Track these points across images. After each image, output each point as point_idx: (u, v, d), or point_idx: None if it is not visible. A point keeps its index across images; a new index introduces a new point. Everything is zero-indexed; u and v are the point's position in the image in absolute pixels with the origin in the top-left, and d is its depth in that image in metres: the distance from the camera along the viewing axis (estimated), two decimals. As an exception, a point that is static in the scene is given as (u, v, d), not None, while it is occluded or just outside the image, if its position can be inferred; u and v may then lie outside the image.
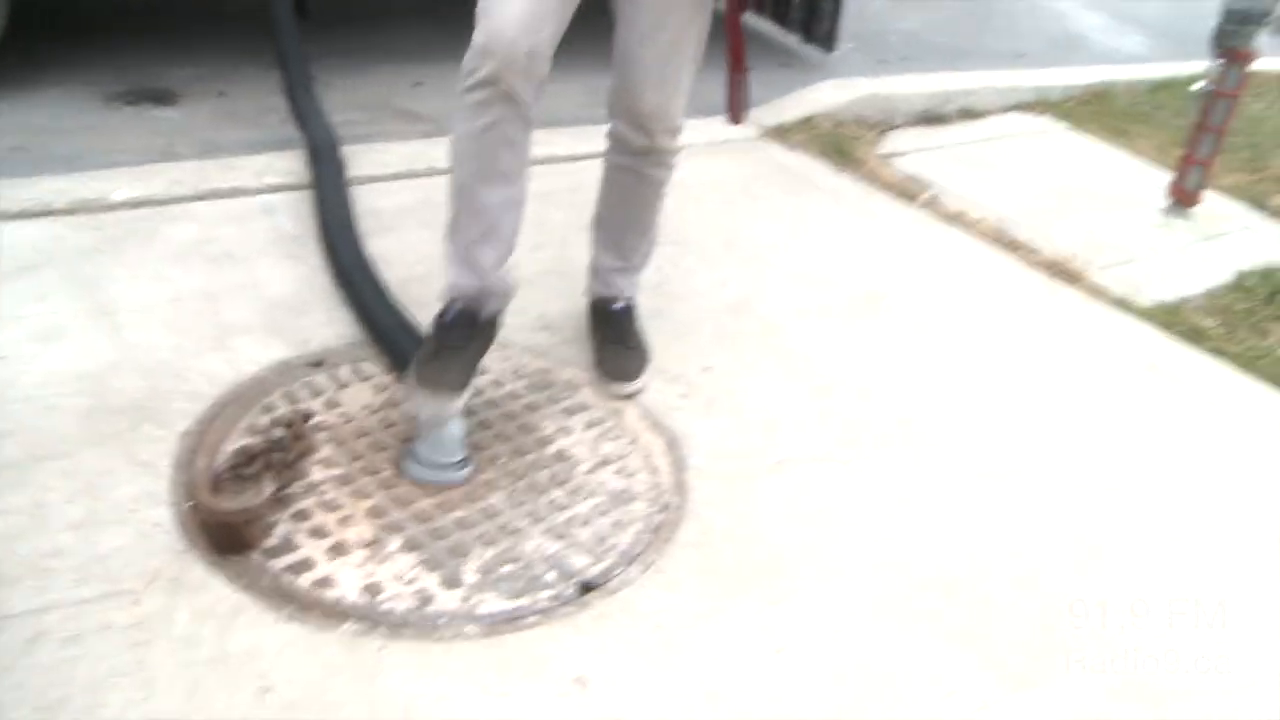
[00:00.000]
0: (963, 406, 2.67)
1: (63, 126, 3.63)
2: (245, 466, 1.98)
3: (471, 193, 2.21)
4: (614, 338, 2.58)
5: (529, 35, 2.06)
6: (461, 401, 2.21)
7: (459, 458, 2.18)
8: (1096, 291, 3.38)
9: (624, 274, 2.61)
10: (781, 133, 4.11)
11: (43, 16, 4.19)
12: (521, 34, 2.05)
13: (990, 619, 2.06)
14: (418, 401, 2.20)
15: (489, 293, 2.26)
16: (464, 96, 2.14)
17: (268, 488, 1.97)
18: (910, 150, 4.34)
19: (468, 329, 2.25)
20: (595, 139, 2.54)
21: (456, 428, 2.17)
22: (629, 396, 2.50)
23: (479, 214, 2.22)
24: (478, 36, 2.08)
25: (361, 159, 3.39)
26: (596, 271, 2.61)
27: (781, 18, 5.47)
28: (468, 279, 2.25)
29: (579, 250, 2.67)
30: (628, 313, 2.63)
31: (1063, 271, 3.44)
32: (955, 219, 3.69)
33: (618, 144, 2.44)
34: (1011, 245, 3.58)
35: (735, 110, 2.37)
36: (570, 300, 2.74)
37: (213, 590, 1.86)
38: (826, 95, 4.54)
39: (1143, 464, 2.58)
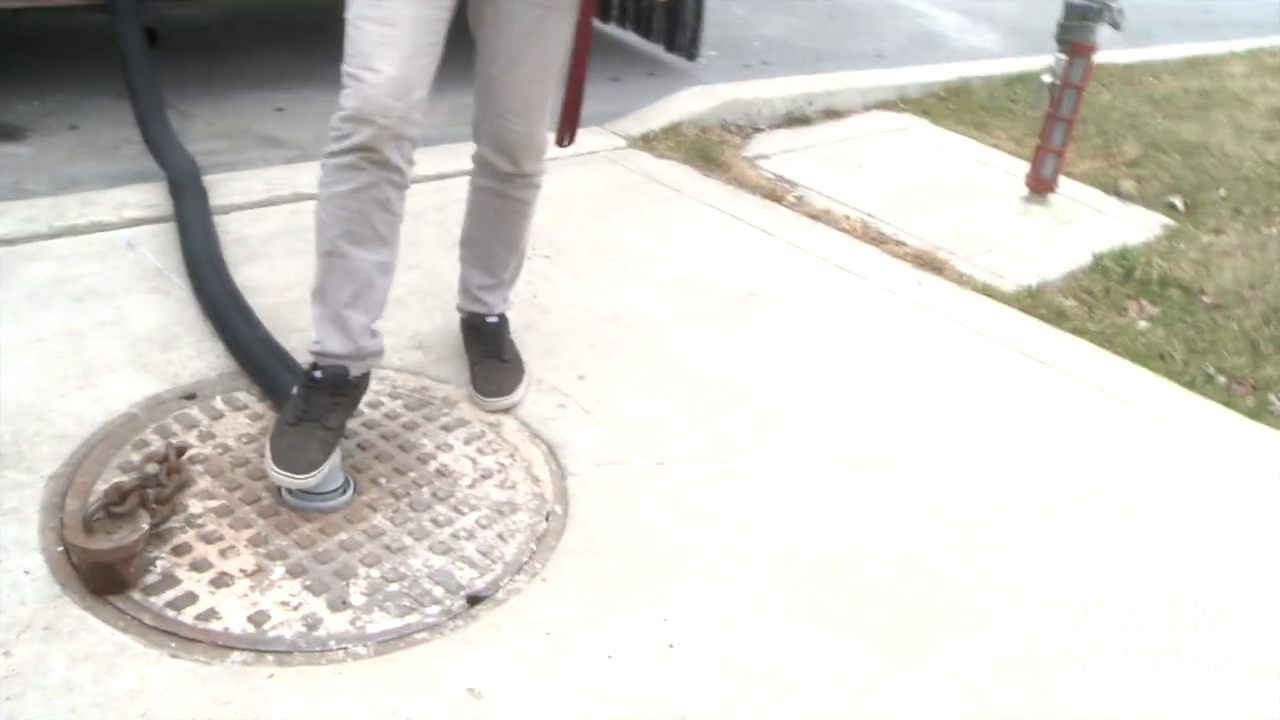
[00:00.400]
0: (836, 400, 2.73)
1: (-94, 168, 3.51)
2: (118, 504, 1.93)
3: (343, 255, 2.15)
4: (488, 352, 2.58)
5: (403, 99, 2.02)
6: (315, 480, 2.11)
7: (337, 484, 2.16)
8: (962, 279, 3.49)
9: (494, 290, 2.61)
10: (648, 141, 4.16)
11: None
12: (395, 99, 2.01)
13: (872, 603, 2.12)
14: (272, 477, 2.11)
15: (360, 355, 2.22)
16: (334, 159, 2.10)
17: (143, 524, 1.93)
18: (775, 152, 4.43)
19: (334, 393, 2.19)
20: (461, 157, 2.56)
21: (334, 456, 2.15)
22: (506, 410, 2.51)
23: (350, 276, 2.17)
24: (348, 100, 2.02)
25: (225, 187, 3.34)
26: (466, 288, 2.61)
27: (644, 28, 5.54)
28: (339, 343, 2.19)
29: (449, 268, 2.67)
30: (500, 327, 2.64)
31: (929, 262, 3.54)
32: (822, 217, 3.78)
33: (483, 168, 2.44)
34: (878, 239, 3.68)
35: (562, 133, 2.37)
36: (442, 317, 2.74)
37: (91, 633, 1.82)
38: (690, 102, 4.61)
39: (1011, 444, 2.67)
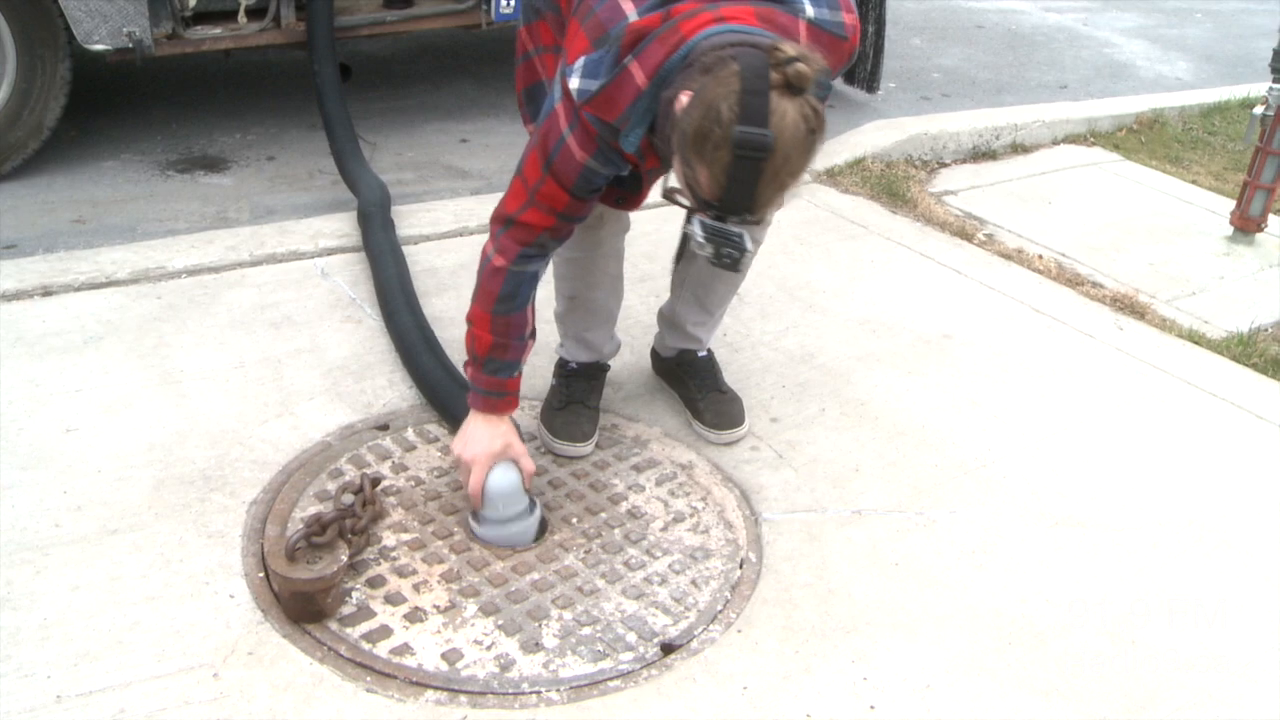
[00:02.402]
0: (1036, 451, 2.61)
1: (119, 197, 3.68)
2: (319, 534, 1.96)
3: (584, 298, 2.45)
4: (708, 385, 2.56)
5: None
6: (590, 448, 2.42)
7: (517, 509, 2.14)
8: (1165, 325, 3.31)
9: (706, 326, 2.59)
10: (833, 176, 4.09)
11: (98, 92, 4.25)
12: None
13: (1083, 671, 1.99)
14: (552, 447, 2.40)
15: (605, 356, 2.56)
16: None
17: (342, 555, 1.95)
18: (962, 188, 4.30)
19: (591, 377, 2.52)
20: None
21: (504, 479, 2.11)
22: (736, 442, 2.50)
23: (591, 311, 2.47)
24: None
25: (414, 218, 3.40)
26: (677, 326, 2.58)
27: (824, 60, 5.46)
28: (584, 355, 2.53)
29: (636, 301, 2.65)
30: (713, 360, 2.62)
31: (1129, 305, 3.37)
32: (1014, 256, 3.64)
33: None
34: (1074, 281, 3.52)
35: None
36: (632, 354, 2.72)
37: (291, 661, 1.84)
38: (874, 136, 4.52)
39: (1226, 503, 2.50)
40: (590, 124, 1.87)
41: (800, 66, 1.64)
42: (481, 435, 2.11)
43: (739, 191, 1.70)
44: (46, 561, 1.99)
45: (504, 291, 2.04)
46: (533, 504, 2.16)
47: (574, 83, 1.85)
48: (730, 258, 1.78)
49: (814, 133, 1.70)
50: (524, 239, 2.01)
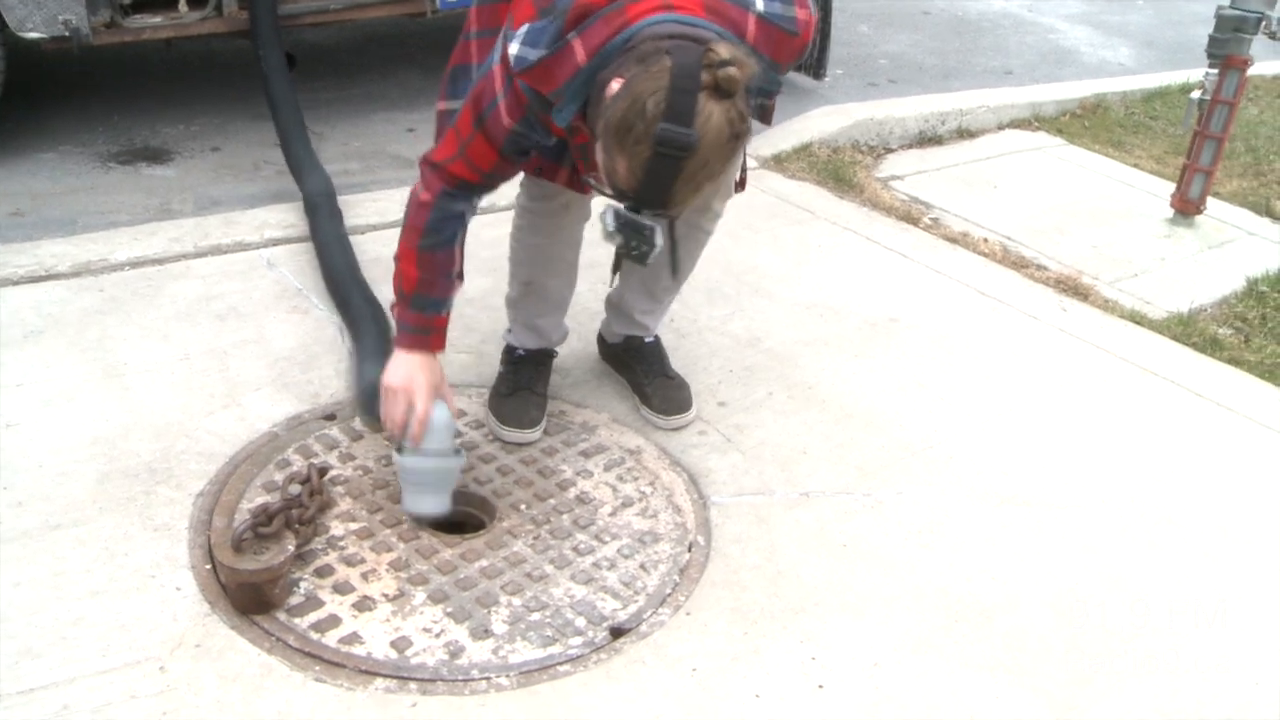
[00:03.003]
0: (981, 431, 2.64)
1: (58, 189, 3.63)
2: (265, 525, 1.94)
3: (539, 285, 2.46)
4: (655, 371, 2.57)
5: None
6: (538, 434, 2.43)
7: (447, 444, 2.12)
8: (1108, 306, 3.36)
9: (653, 314, 2.60)
10: (779, 162, 4.10)
11: (35, 81, 4.18)
12: None
13: (1028, 647, 2.02)
14: (500, 434, 2.40)
15: (553, 344, 2.57)
16: (529, 213, 2.39)
17: (289, 545, 1.94)
18: (909, 173, 4.34)
19: (539, 363, 2.51)
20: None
21: (440, 414, 2.10)
22: (683, 427, 2.51)
23: (544, 298, 2.48)
24: None
25: (361, 208, 3.38)
26: (624, 313, 2.58)
27: (771, 47, 5.47)
28: (532, 341, 2.52)
29: (584, 289, 2.63)
30: (659, 345, 2.63)
31: (1072, 287, 3.42)
32: (960, 240, 3.68)
33: None
34: (1018, 263, 3.56)
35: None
36: (579, 340, 2.72)
37: (239, 653, 1.83)
38: (821, 122, 4.54)
39: (1167, 480, 2.55)
40: (522, 92, 1.86)
41: (731, 71, 1.64)
42: (416, 369, 2.09)
43: (655, 187, 1.71)
44: (-13, 558, 1.97)
45: (429, 225, 2.02)
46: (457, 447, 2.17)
47: (513, 49, 1.84)
48: (639, 252, 1.78)
49: (738, 138, 1.70)
50: (450, 182, 2.01)
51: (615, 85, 1.70)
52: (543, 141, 1.96)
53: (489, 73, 1.92)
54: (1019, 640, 2.04)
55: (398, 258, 2.09)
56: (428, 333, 2.11)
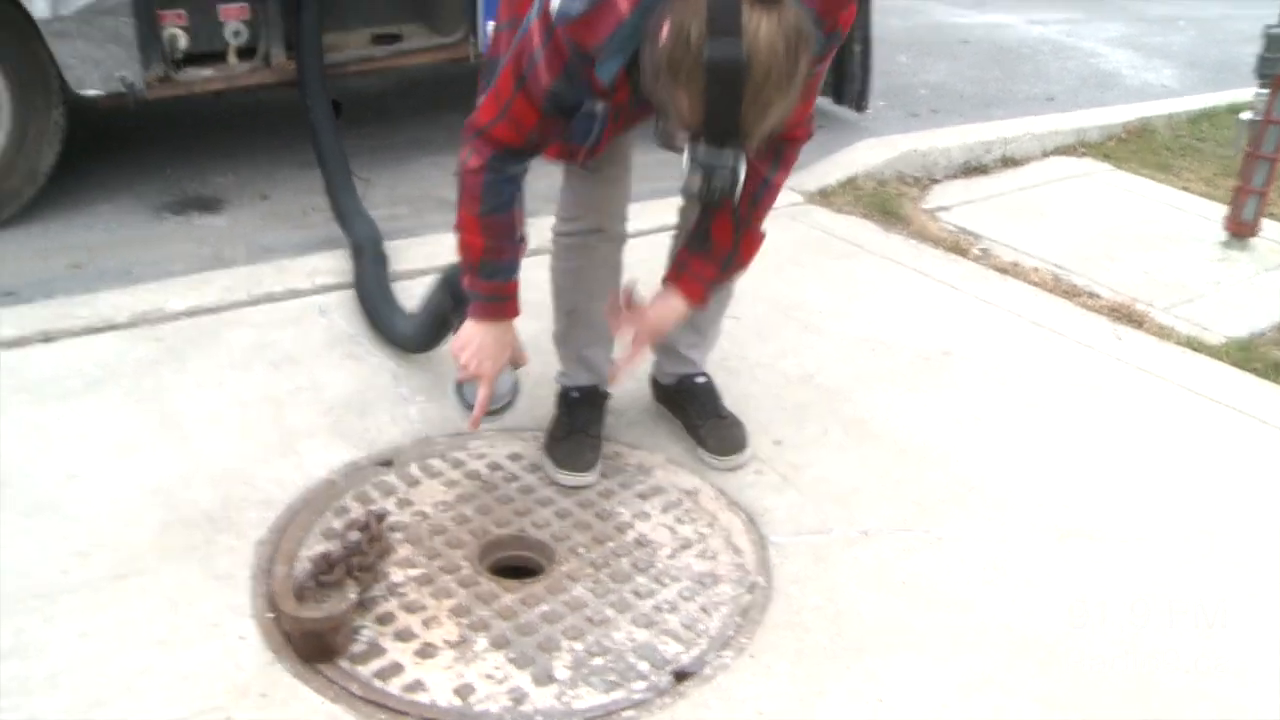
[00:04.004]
0: (1040, 464, 2.61)
1: (114, 241, 3.69)
2: (327, 573, 1.95)
3: (584, 311, 2.44)
4: (708, 411, 2.56)
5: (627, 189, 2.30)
6: (594, 478, 2.42)
7: (506, 400, 2.28)
8: (1163, 333, 3.32)
9: (699, 348, 2.59)
10: (825, 196, 4.10)
11: (91, 137, 4.26)
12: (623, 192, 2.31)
13: (1094, 684, 1.98)
14: (555, 477, 2.42)
15: (605, 379, 2.52)
16: (563, 238, 2.41)
17: (350, 593, 1.94)
18: (956, 204, 4.32)
19: (593, 405, 2.51)
20: (655, 213, 2.55)
21: (505, 380, 2.25)
22: (740, 466, 2.50)
23: (590, 325, 2.45)
24: (578, 185, 2.30)
25: (411, 252, 3.40)
26: (668, 349, 2.57)
27: (812, 81, 5.48)
28: (584, 376, 2.51)
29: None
30: (712, 385, 2.62)
31: (1126, 315, 3.38)
32: (1010, 270, 3.65)
33: None
34: (1070, 292, 3.53)
35: None
36: (632, 381, 2.70)
37: (303, 701, 1.83)
38: (865, 155, 4.54)
39: (1235, 511, 2.50)
40: (564, 46, 1.86)
41: None
42: (489, 344, 2.15)
43: (720, 114, 1.67)
44: (54, 609, 1.98)
45: (485, 190, 2.04)
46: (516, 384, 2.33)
47: (555, 3, 1.84)
48: (720, 190, 1.75)
49: (795, 50, 1.65)
50: (496, 147, 2.02)
51: (665, 28, 1.68)
52: (584, 98, 1.95)
53: (528, 30, 1.92)
54: (1086, 677, 2.00)
55: (459, 227, 2.10)
56: (503, 300, 2.15)
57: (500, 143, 2.01)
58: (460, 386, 2.26)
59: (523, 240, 2.15)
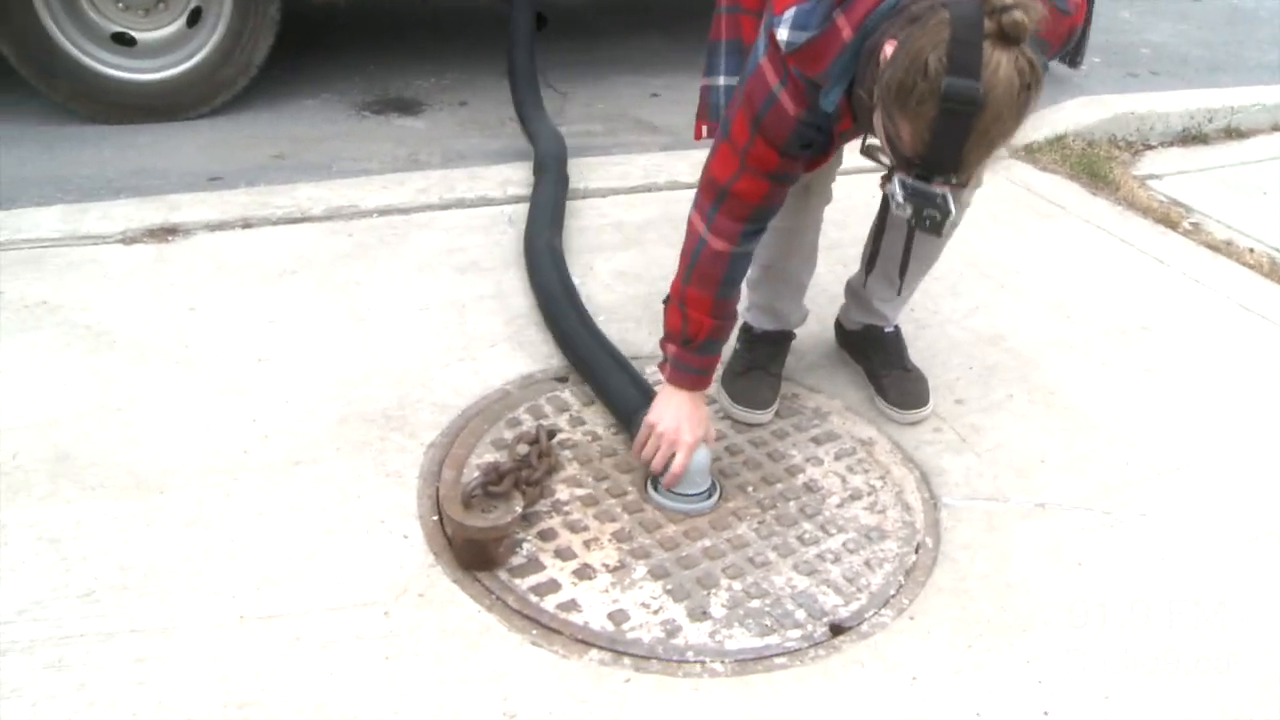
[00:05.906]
0: (1238, 457, 2.45)
1: (317, 135, 3.78)
2: (495, 484, 1.97)
3: (779, 268, 2.40)
4: (892, 362, 2.50)
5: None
6: (769, 416, 2.38)
7: (704, 487, 2.12)
8: (1391, 332, 3.08)
9: (893, 303, 2.51)
10: (1030, 152, 3.92)
11: (302, 33, 4.36)
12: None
13: (1275, 694, 1.87)
14: (731, 412, 2.37)
15: (791, 325, 2.51)
16: None
17: (516, 506, 1.95)
18: (1169, 173, 4.08)
19: (776, 342, 2.48)
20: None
21: (703, 456, 2.11)
22: (919, 422, 2.43)
23: (784, 280, 2.43)
24: None
25: (603, 170, 3.39)
26: (864, 302, 2.51)
27: (1026, 31, 5.24)
28: (770, 324, 2.49)
29: (824, 270, 2.58)
30: (899, 336, 2.55)
31: (1349, 309, 3.15)
32: (1222, 249, 3.43)
33: None
34: (1287, 278, 3.31)
35: None
36: (817, 324, 2.64)
37: (459, 607, 1.86)
38: (1076, 113, 4.32)
39: None
40: (797, 78, 1.80)
41: (1016, 15, 1.51)
42: (689, 415, 2.08)
43: (944, 149, 1.60)
44: (235, 485, 2.06)
45: (727, 276, 2.01)
46: (714, 483, 2.15)
47: (782, 34, 1.78)
48: (931, 220, 1.68)
49: (1029, 88, 1.57)
50: (742, 215, 1.96)
51: (889, 48, 1.61)
52: (822, 127, 1.89)
53: (757, 69, 1.86)
54: (1270, 687, 1.88)
55: (685, 302, 2.06)
56: (707, 373, 2.12)
57: (745, 201, 1.95)
58: (655, 483, 2.14)
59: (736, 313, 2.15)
